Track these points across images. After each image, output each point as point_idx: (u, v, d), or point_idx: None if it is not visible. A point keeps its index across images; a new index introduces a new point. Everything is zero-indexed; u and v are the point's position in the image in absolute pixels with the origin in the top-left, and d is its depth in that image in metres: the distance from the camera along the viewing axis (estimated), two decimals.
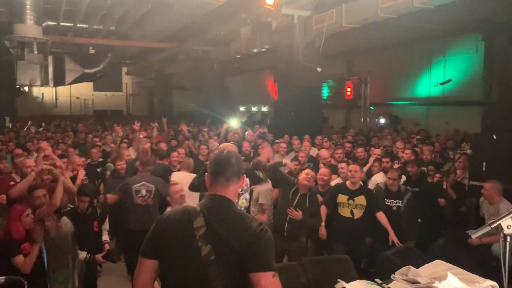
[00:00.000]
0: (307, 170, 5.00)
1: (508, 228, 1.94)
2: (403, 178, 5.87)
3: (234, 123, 10.39)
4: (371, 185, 5.97)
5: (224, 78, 20.06)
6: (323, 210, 5.16)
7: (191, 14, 10.51)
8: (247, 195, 4.54)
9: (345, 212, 5.13)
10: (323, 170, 5.49)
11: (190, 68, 19.48)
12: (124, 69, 26.05)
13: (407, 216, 5.30)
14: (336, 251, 5.00)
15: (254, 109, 24.20)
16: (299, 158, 6.79)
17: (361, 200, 5.07)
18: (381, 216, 5.08)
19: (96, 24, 14.26)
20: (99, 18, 13.68)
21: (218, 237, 1.90)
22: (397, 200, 5.33)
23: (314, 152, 8.12)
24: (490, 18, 9.72)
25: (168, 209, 4.31)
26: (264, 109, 23.28)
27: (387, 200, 5.38)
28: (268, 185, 5.20)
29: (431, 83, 14.06)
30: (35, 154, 7.67)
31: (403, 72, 14.73)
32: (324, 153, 6.99)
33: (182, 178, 5.19)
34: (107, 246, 4.66)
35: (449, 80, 13.31)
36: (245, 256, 1.87)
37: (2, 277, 1.80)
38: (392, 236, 4.95)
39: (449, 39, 12.95)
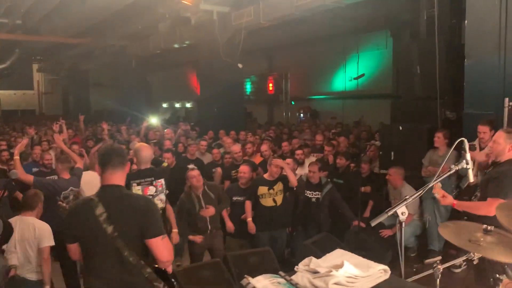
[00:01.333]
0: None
1: (402, 215, 2.12)
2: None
3: (154, 120, 10.15)
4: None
5: (144, 74, 19.51)
6: (248, 204, 5.26)
7: (106, 8, 10.07)
8: (162, 196, 4.43)
9: (268, 202, 5.26)
10: (243, 167, 5.52)
11: (107, 64, 18.68)
12: (35, 66, 24.28)
13: (325, 207, 5.54)
14: (261, 242, 5.13)
15: (177, 105, 23.81)
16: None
17: (279, 186, 5.25)
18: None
19: (0, 17, 13.14)
20: (3, 11, 12.61)
21: (116, 217, 2.43)
22: (317, 192, 5.56)
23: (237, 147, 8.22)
24: (396, 16, 10.42)
25: None
26: (188, 105, 22.99)
27: (307, 191, 5.59)
28: None
29: (346, 78, 14.81)
30: None
31: (321, 68, 15.34)
32: (235, 148, 6.95)
33: (94, 178, 4.94)
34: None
35: (362, 75, 14.12)
36: (140, 227, 2.43)
37: None
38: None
39: (361, 36, 13.70)
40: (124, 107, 16.66)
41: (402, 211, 2.08)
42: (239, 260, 4.11)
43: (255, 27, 10.25)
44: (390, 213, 2.02)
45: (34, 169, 6.05)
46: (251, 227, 5.19)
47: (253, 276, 1.84)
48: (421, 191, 2.35)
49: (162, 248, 2.45)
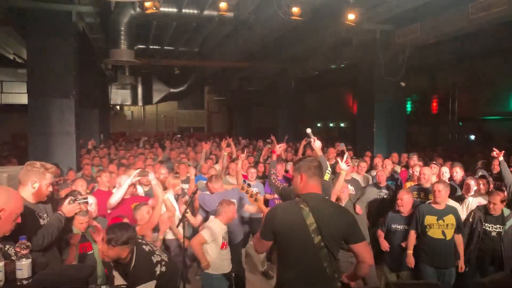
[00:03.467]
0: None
1: None
2: None
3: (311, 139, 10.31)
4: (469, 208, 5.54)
5: (301, 95, 20.11)
6: (412, 234, 4.90)
7: (271, 33, 10.71)
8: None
9: (436, 233, 4.82)
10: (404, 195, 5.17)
11: (268, 85, 19.80)
12: (206, 88, 27.19)
13: (508, 243, 4.84)
14: (428, 274, 4.72)
15: (331, 124, 23.91)
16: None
17: (450, 219, 4.75)
18: (458, 238, 4.82)
19: (181, 46, 15.11)
20: (184, 41, 14.47)
21: (325, 229, 2.68)
22: (498, 225, 4.91)
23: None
24: None
25: None
26: (342, 124, 22.90)
27: (486, 224, 4.97)
28: None
29: None
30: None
31: (496, 85, 13.67)
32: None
33: None
34: None
35: None
36: (343, 238, 2.73)
37: None
38: (461, 263, 4.86)
39: None
40: (281, 126, 17.43)
41: None
42: None
43: (421, 44, 9.72)
44: None
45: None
46: (411, 261, 4.86)
47: None
48: None
49: (365, 251, 2.73)
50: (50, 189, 3.38)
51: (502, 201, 4.93)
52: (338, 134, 22.42)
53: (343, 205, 5.13)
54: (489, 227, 4.95)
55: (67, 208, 3.32)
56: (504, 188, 5.75)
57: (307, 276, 2.70)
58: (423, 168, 5.94)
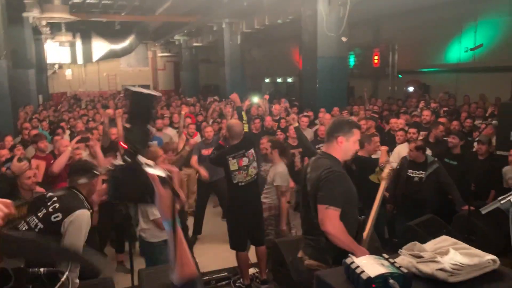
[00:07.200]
0: None
1: None
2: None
3: (255, 99, 10.37)
4: (394, 156, 5.97)
5: (249, 50, 19.96)
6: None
7: None
8: (255, 164, 4.78)
9: (373, 178, 5.20)
10: None
11: (214, 41, 19.45)
12: (150, 44, 26.25)
13: (429, 188, 5.30)
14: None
15: (279, 80, 24.03)
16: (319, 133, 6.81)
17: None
18: None
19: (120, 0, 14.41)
20: None
21: (310, 179, 2.93)
22: (420, 171, 5.34)
23: None
24: None
25: None
26: (290, 80, 23.07)
27: (410, 170, 5.40)
28: (283, 166, 5.14)
29: (461, 49, 13.60)
30: (68, 132, 8.06)
31: (433, 38, 14.25)
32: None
33: None
34: None
35: (481, 45, 12.85)
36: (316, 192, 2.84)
37: (43, 269, 1.96)
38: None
39: (480, 3, 12.42)
40: (228, 82, 17.35)
41: None
42: None
43: None
44: (503, 202, 1.91)
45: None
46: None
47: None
48: None
49: (323, 217, 2.74)
50: None
51: (417, 148, 5.33)
52: (285, 89, 22.66)
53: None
54: (412, 173, 5.39)
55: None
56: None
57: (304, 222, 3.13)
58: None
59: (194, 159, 6.28)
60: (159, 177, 1.35)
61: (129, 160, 1.41)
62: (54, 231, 2.87)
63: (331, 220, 2.69)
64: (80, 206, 3.02)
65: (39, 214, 2.95)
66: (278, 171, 5.05)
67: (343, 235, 2.71)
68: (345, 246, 2.69)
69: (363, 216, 2.97)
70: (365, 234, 2.92)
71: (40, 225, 2.92)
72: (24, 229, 2.89)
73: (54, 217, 2.92)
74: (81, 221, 2.93)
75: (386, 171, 3.39)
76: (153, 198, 1.35)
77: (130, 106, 1.50)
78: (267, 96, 10.26)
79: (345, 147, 2.90)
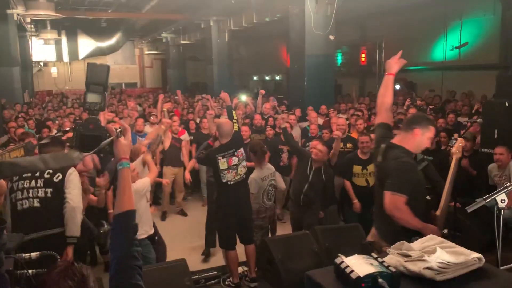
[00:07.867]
0: (315, 144, 5.00)
1: (502, 202, 2.03)
2: None
3: (243, 98, 10.35)
4: None
5: (236, 48, 19.91)
6: (347, 184, 5.36)
7: None
8: (244, 163, 4.81)
9: (359, 181, 5.25)
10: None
11: (202, 38, 19.37)
12: (136, 42, 26.03)
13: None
14: (351, 219, 5.18)
15: (267, 78, 24.04)
16: (310, 131, 6.83)
17: (373, 168, 5.19)
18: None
19: None
20: None
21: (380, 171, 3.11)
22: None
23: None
24: None
25: None
26: (277, 77, 23.10)
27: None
28: (256, 172, 5.10)
29: (446, 47, 13.78)
30: (55, 132, 7.96)
31: (418, 36, 14.40)
32: (341, 121, 6.76)
33: None
34: None
35: (466, 44, 13.02)
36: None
37: (36, 253, 2.01)
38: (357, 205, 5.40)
39: (465, 2, 12.58)
40: (216, 81, 17.29)
41: (501, 198, 2.00)
42: (328, 234, 4.19)
43: None
44: (488, 200, 1.95)
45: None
46: (358, 206, 5.37)
47: (345, 255, 1.92)
48: None
49: (389, 201, 2.76)
50: None
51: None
52: (273, 87, 22.67)
53: None
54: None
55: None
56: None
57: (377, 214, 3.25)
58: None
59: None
60: (115, 129, 1.77)
61: (91, 117, 1.78)
62: None
63: (395, 203, 2.72)
64: None
65: None
66: (252, 177, 5.04)
67: (409, 217, 2.72)
68: (412, 226, 2.73)
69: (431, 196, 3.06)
70: (438, 211, 2.97)
71: None
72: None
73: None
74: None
75: (457, 145, 3.46)
76: (112, 148, 1.74)
77: (88, 76, 1.83)
78: (262, 91, 10.24)
79: (419, 140, 2.96)
